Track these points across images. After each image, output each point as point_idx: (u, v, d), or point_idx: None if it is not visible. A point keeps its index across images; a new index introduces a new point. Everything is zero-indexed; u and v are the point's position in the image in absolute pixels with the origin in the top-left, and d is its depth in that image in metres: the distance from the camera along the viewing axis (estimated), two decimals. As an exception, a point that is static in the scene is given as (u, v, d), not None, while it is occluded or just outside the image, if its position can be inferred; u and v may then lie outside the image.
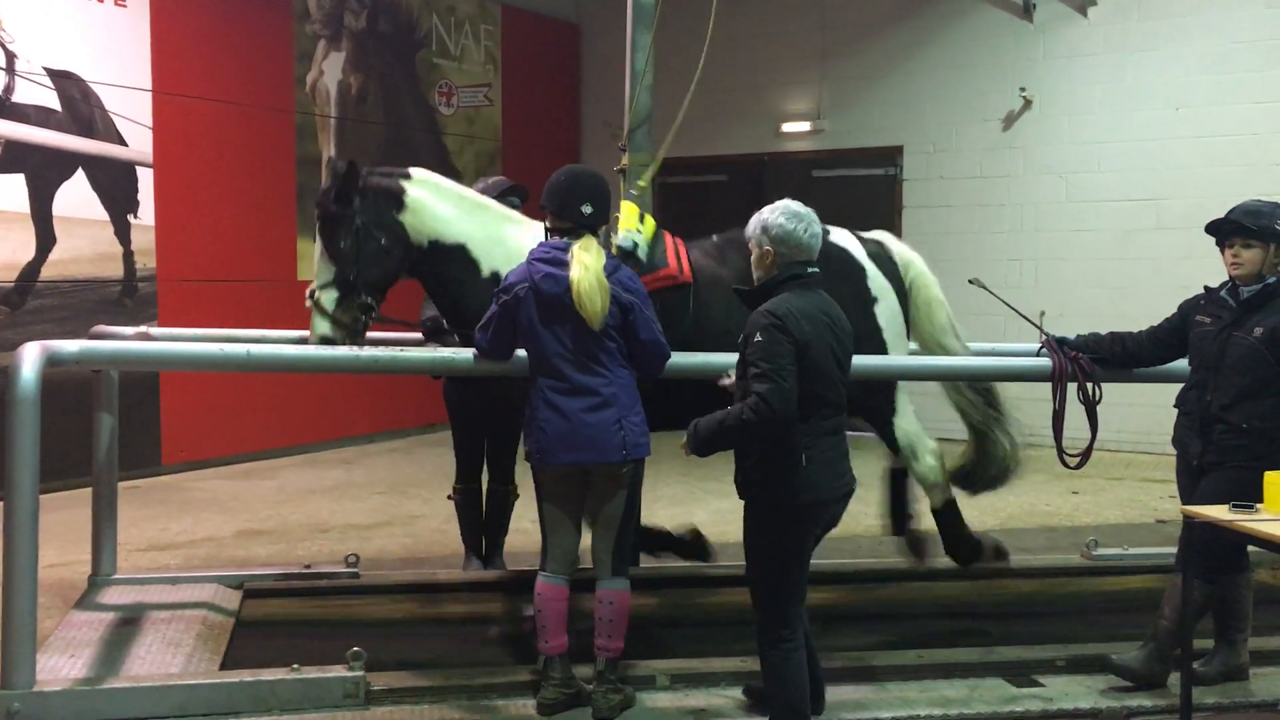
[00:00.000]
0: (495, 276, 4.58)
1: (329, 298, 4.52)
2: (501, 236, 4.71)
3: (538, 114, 12.18)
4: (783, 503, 3.69)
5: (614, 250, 4.69)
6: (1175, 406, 4.56)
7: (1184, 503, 4.31)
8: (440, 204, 4.67)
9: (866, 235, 5.28)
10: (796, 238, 3.77)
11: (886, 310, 5.05)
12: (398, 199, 4.60)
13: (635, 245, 4.76)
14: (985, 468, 5.36)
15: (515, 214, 4.94)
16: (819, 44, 11.48)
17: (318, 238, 4.58)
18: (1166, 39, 9.90)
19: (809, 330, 3.66)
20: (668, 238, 4.94)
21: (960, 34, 10.83)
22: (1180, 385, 4.59)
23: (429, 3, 11.08)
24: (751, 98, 11.69)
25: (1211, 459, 4.31)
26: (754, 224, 3.85)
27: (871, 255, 5.13)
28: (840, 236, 5.12)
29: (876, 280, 5.06)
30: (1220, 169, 9.58)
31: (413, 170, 4.75)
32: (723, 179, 11.81)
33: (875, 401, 5.03)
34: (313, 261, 4.68)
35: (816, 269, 3.83)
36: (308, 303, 4.57)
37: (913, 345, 5.31)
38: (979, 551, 5.21)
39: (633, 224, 4.83)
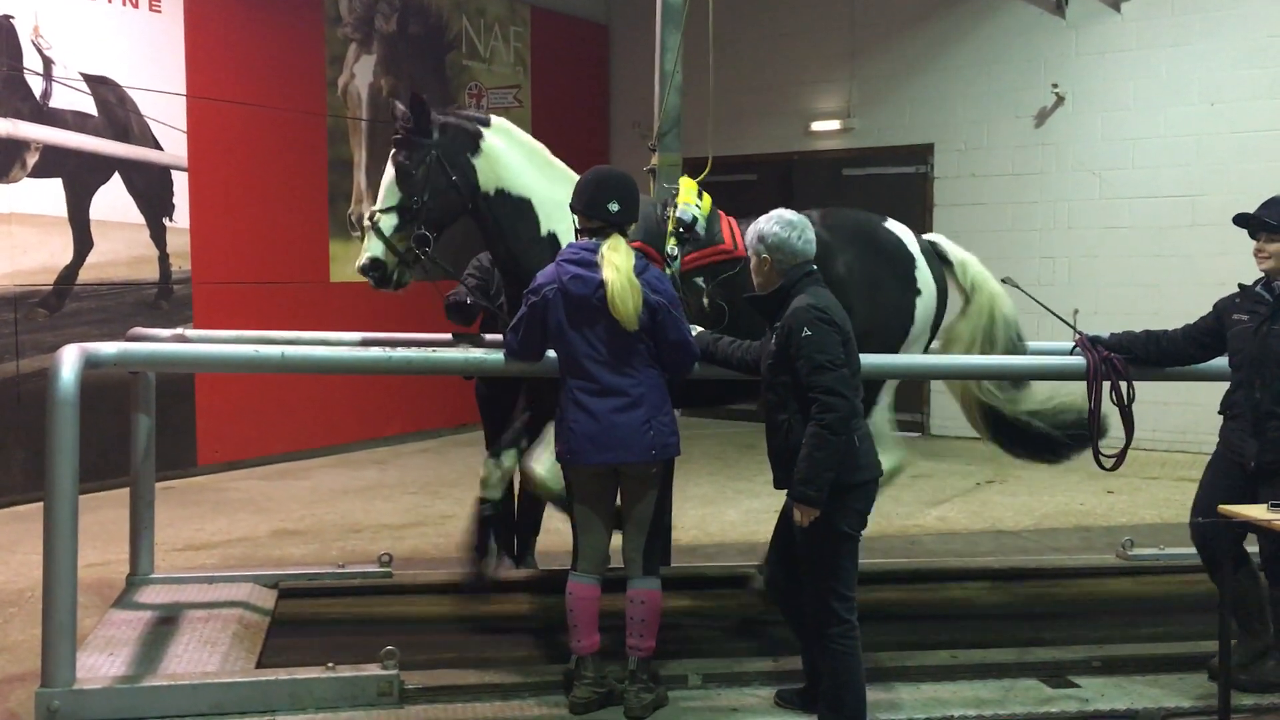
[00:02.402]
0: (553, 237, 4.67)
1: (388, 222, 4.56)
2: (568, 201, 4.74)
3: (567, 115, 12.20)
4: (846, 483, 3.75)
5: (672, 223, 4.75)
6: (1221, 413, 4.50)
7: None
8: (513, 154, 4.74)
9: (924, 236, 5.36)
10: (791, 244, 3.89)
11: (924, 305, 5.12)
12: (474, 141, 4.68)
13: (695, 219, 4.82)
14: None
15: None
16: (848, 42, 11.43)
17: (389, 161, 4.62)
18: (1200, 33, 9.79)
19: (844, 318, 3.82)
20: (722, 216, 5.01)
21: (991, 30, 10.76)
22: (1214, 384, 4.54)
23: (459, 5, 11.13)
24: (781, 96, 11.67)
25: (1270, 458, 4.25)
26: (750, 234, 3.97)
27: (924, 250, 5.20)
28: (895, 225, 5.23)
29: (924, 274, 5.14)
30: (1256, 164, 9.46)
31: (493, 117, 4.84)
32: (752, 178, 11.78)
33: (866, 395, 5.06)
34: (381, 186, 4.68)
35: (817, 269, 3.97)
36: (366, 222, 4.62)
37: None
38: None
39: (691, 199, 4.89)
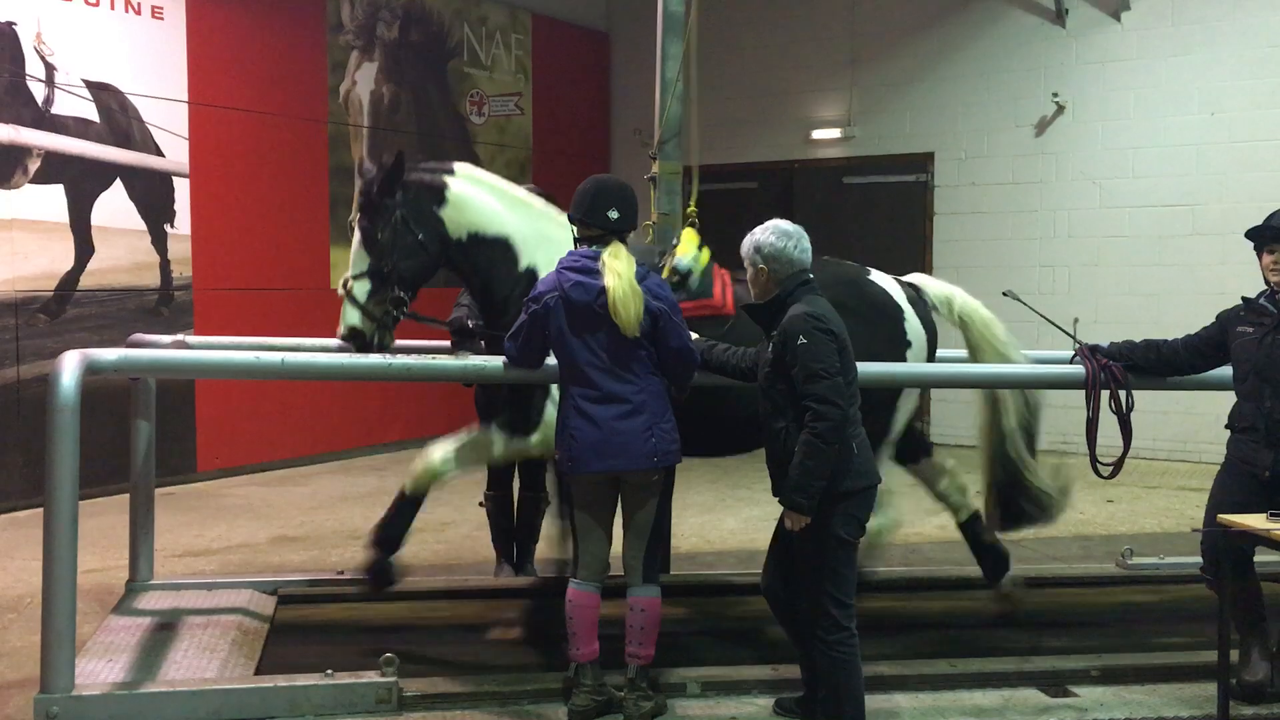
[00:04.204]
0: (531, 271, 4.65)
1: (361, 288, 4.56)
2: (543, 233, 4.75)
3: (568, 123, 12.23)
4: (843, 490, 3.76)
5: (667, 271, 4.75)
6: (1229, 426, 4.49)
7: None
8: (483, 197, 4.73)
9: (903, 279, 5.30)
10: (788, 254, 3.90)
11: (915, 356, 5.08)
12: (439, 194, 4.66)
13: (689, 271, 4.82)
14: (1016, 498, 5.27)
15: (556, 212, 4.93)
16: (849, 50, 11.46)
17: (355, 227, 4.62)
18: (1201, 43, 9.81)
19: (840, 327, 3.83)
20: (717, 270, 4.97)
21: (992, 39, 10.78)
22: (1214, 393, 4.54)
23: (460, 13, 11.16)
24: (781, 104, 11.69)
25: None
26: (747, 244, 3.98)
27: (910, 300, 5.15)
28: (880, 278, 5.16)
29: (913, 325, 5.10)
30: (1256, 174, 9.48)
31: (456, 165, 4.82)
32: (752, 186, 11.81)
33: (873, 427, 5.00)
34: (350, 252, 4.69)
35: (812, 276, 3.97)
36: (340, 291, 4.61)
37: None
38: None
39: (691, 250, 4.88)
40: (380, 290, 4.56)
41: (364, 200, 4.60)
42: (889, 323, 5.02)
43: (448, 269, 4.78)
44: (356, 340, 4.57)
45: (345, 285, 4.58)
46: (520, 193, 4.92)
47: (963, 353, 5.36)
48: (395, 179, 4.57)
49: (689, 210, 5.30)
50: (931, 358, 5.20)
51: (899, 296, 5.13)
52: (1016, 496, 5.24)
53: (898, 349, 5.01)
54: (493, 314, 4.80)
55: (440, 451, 4.76)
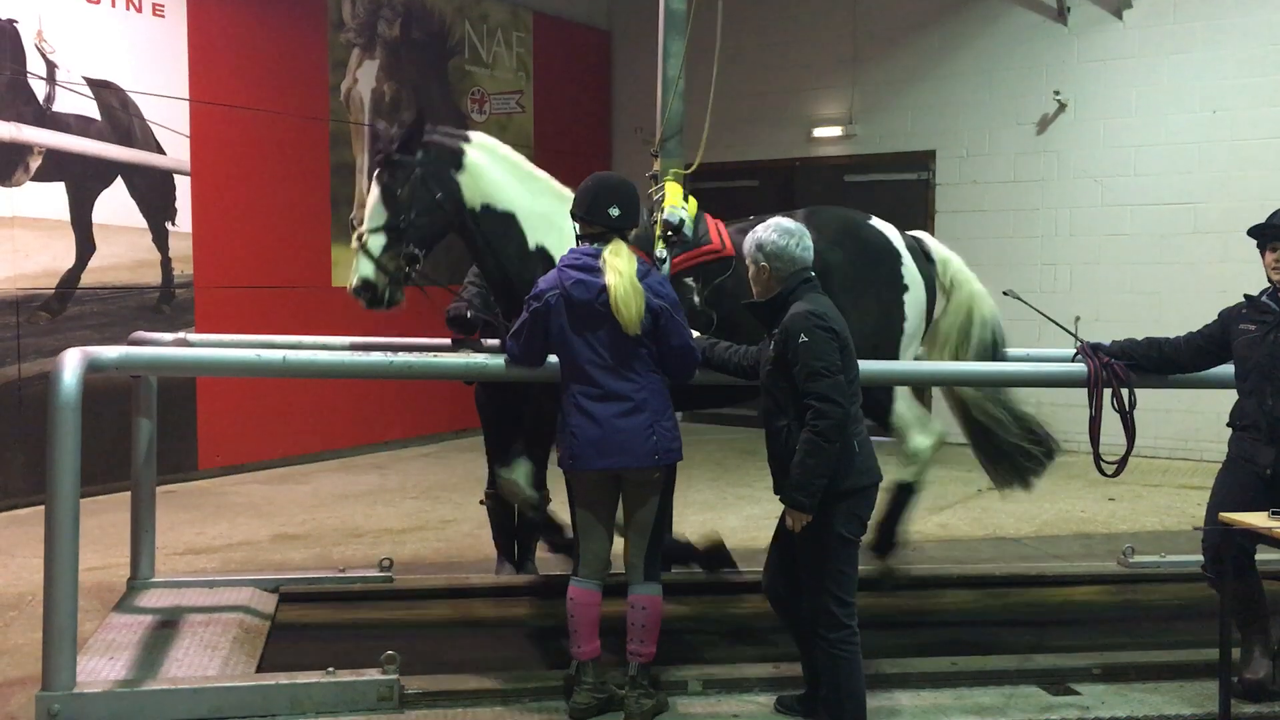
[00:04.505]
0: (540, 250, 4.69)
1: (377, 242, 4.56)
2: (552, 214, 4.76)
3: (570, 121, 12.22)
4: (845, 488, 3.76)
5: (659, 226, 4.78)
6: (1230, 425, 4.49)
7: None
8: (496, 170, 4.75)
9: (908, 233, 5.40)
10: (790, 252, 3.90)
11: (914, 301, 5.17)
12: (458, 158, 4.69)
13: (682, 221, 4.85)
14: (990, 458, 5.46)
15: (567, 192, 4.95)
16: (850, 48, 11.45)
17: (373, 182, 4.63)
18: (1203, 41, 9.80)
19: (842, 325, 3.82)
20: (708, 218, 5.06)
21: (993, 38, 10.77)
22: (1216, 391, 4.53)
23: (462, 11, 11.15)
24: (782, 102, 11.69)
25: None
26: (749, 242, 3.98)
27: (909, 247, 5.27)
28: (880, 223, 5.29)
29: (910, 269, 5.19)
30: (1258, 172, 9.47)
31: (473, 134, 4.85)
32: (753, 184, 11.81)
33: (878, 394, 5.12)
34: (366, 207, 4.69)
35: (815, 276, 3.98)
36: (354, 244, 4.62)
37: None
38: (892, 545, 5.34)
39: (678, 201, 4.92)
40: (395, 245, 4.57)
41: (384, 156, 4.61)
42: (887, 263, 5.14)
43: (460, 235, 4.78)
44: (368, 293, 4.58)
45: (360, 239, 4.59)
46: (532, 168, 4.91)
47: None
48: (417, 137, 4.61)
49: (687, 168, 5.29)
50: (932, 306, 5.29)
51: (897, 241, 5.25)
52: (997, 457, 5.42)
53: (895, 290, 5.12)
54: (502, 291, 4.83)
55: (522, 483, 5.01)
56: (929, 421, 5.36)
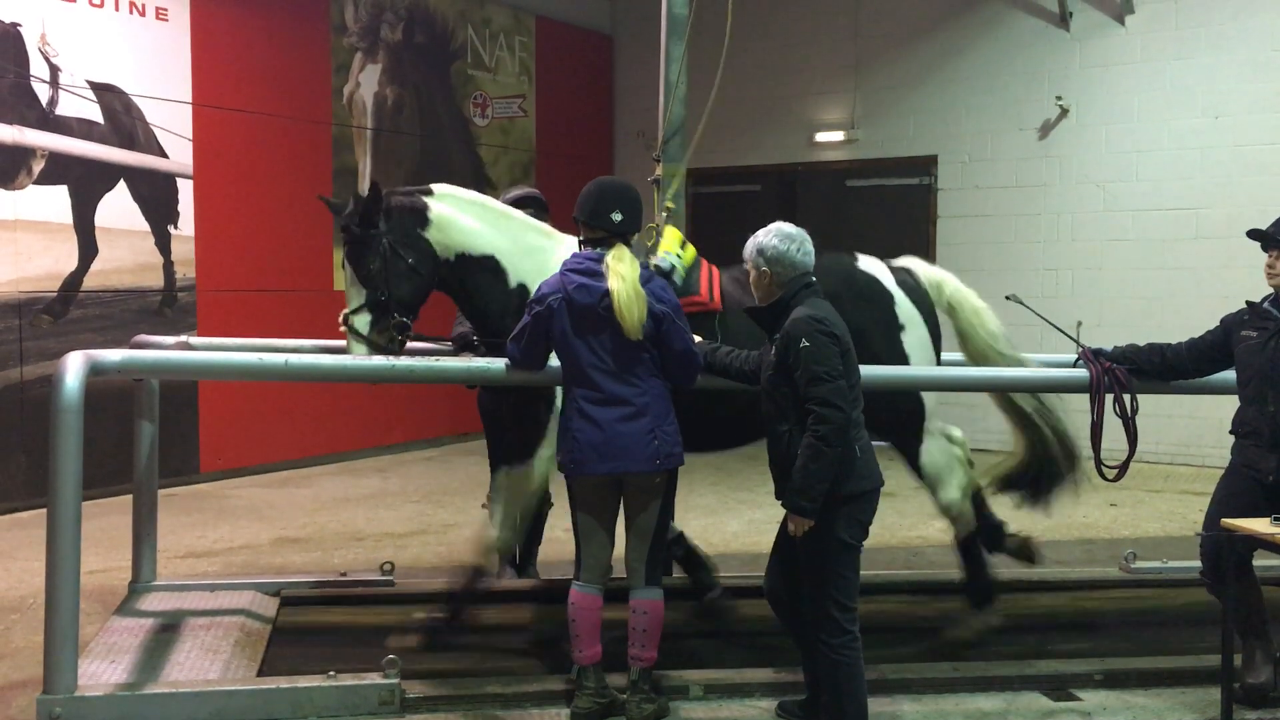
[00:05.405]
0: (522, 288, 4.62)
1: (362, 321, 4.53)
2: (529, 247, 4.74)
3: (571, 125, 12.24)
4: (847, 493, 3.76)
5: (652, 269, 4.72)
6: (1233, 432, 4.48)
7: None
8: (465, 217, 4.69)
9: (895, 263, 5.26)
10: (790, 257, 3.90)
11: (914, 339, 5.03)
12: (422, 216, 4.61)
13: (673, 268, 4.79)
14: (1029, 469, 5.29)
15: (542, 225, 4.94)
16: (852, 53, 11.46)
17: (345, 264, 4.59)
18: (1205, 47, 9.81)
19: (843, 330, 3.83)
20: (704, 265, 4.95)
21: (995, 43, 10.78)
22: (1218, 397, 4.53)
23: (464, 15, 11.17)
24: (784, 107, 11.69)
25: None
26: (750, 247, 3.97)
27: (900, 283, 5.11)
28: (869, 263, 5.14)
29: (904, 307, 5.05)
30: (1260, 177, 9.48)
31: (434, 186, 4.78)
32: (755, 189, 11.81)
33: (904, 431, 5.01)
34: (344, 287, 4.66)
35: (815, 279, 3.96)
36: (341, 328, 4.58)
37: (957, 356, 5.30)
38: (989, 597, 5.15)
39: (674, 248, 4.86)
40: (381, 319, 4.53)
41: (348, 235, 4.55)
42: (880, 307, 4.99)
43: (441, 290, 4.74)
44: None
45: (346, 321, 4.55)
46: (500, 206, 4.88)
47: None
48: (374, 210, 4.52)
49: (667, 205, 5.25)
50: (935, 337, 5.15)
51: (888, 281, 5.08)
52: (1038, 472, 5.28)
53: (892, 333, 4.98)
54: (489, 334, 4.77)
55: (494, 532, 4.82)
56: (955, 467, 5.08)
